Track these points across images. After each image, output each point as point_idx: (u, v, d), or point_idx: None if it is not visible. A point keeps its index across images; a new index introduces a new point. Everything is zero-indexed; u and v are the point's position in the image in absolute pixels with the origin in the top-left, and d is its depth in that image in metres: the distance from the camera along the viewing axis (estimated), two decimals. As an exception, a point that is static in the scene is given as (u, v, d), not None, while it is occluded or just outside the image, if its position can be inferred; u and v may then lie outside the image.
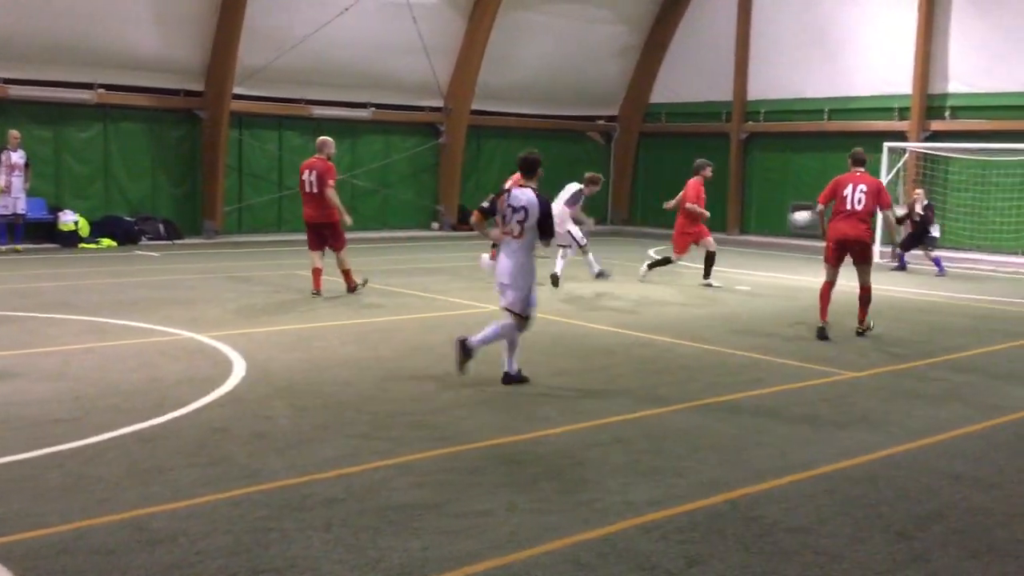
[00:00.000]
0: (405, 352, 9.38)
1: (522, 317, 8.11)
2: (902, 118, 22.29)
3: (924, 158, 21.28)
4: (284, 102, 22.15)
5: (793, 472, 6.00)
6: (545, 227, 8.00)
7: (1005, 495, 5.72)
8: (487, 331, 8.13)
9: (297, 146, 22.64)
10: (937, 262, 17.50)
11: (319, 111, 22.49)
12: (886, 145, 20.43)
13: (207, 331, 10.13)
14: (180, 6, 19.95)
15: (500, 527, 4.98)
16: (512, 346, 8.14)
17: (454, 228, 24.56)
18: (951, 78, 21.68)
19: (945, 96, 21.79)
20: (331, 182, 12.59)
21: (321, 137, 13.25)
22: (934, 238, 17.94)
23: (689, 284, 15.32)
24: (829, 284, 10.96)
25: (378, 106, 23.47)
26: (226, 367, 8.48)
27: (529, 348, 9.70)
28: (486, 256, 14.35)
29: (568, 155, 27.08)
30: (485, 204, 8.26)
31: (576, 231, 14.45)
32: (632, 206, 28.07)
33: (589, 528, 5.00)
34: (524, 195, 8.01)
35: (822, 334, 10.64)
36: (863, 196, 10.67)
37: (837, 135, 23.55)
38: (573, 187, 14.56)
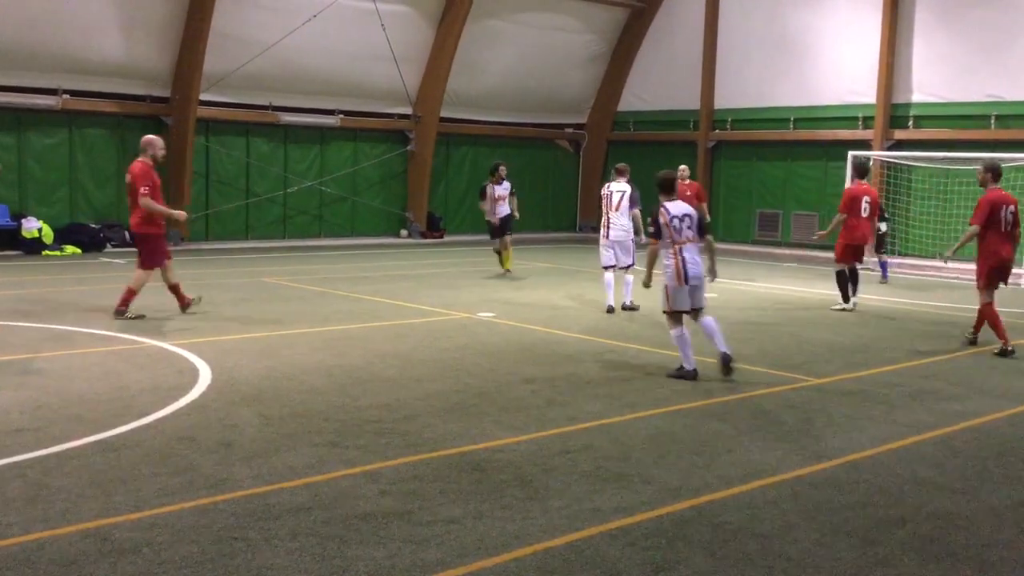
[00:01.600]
0: (374, 359, 9.35)
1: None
2: (866, 127, 22.57)
3: (888, 167, 21.57)
4: (251, 108, 22.03)
5: (759, 478, 6.05)
6: (703, 225, 9.13)
7: (967, 500, 5.80)
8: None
9: (265, 153, 22.54)
10: (883, 267, 17.60)
11: (287, 117, 22.39)
12: (850, 154, 20.62)
13: (173, 339, 10.04)
14: (146, 11, 19.80)
15: (467, 535, 4.98)
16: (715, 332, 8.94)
17: (423, 235, 24.52)
18: (914, 88, 22.00)
19: (908, 106, 22.09)
20: (143, 189, 10.89)
21: (145, 136, 11.65)
22: (883, 237, 17.74)
23: (655, 292, 15.39)
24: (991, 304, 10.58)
25: (346, 113, 23.40)
26: (192, 375, 8.41)
27: (499, 356, 9.73)
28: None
29: (537, 163, 27.21)
30: (652, 229, 9.15)
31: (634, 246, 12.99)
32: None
33: (556, 535, 5.01)
34: (678, 205, 9.07)
35: (1006, 353, 10.39)
36: (1011, 216, 10.41)
37: (803, 143, 23.83)
38: (625, 187, 13.05)
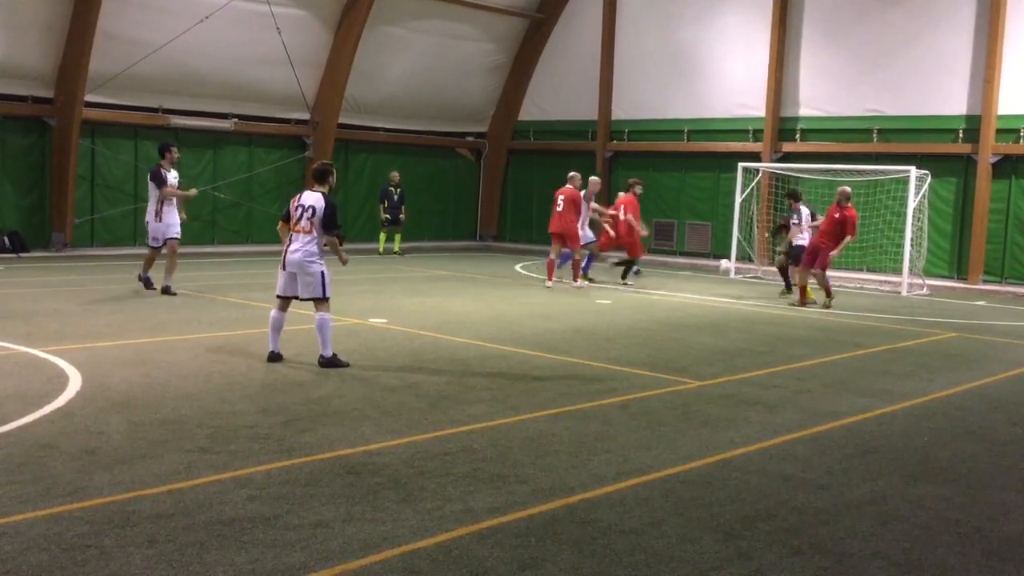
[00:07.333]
0: (256, 365, 9.15)
1: (326, 299, 9.38)
2: (756, 140, 23.22)
3: (776, 178, 22.19)
4: (140, 111, 21.37)
5: (632, 476, 6.12)
6: (329, 222, 9.32)
7: (831, 495, 5.98)
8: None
9: (154, 157, 21.79)
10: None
11: (177, 121, 21.79)
12: (741, 165, 21.23)
13: (44, 346, 9.65)
14: (29, 9, 19.04)
15: (334, 538, 4.89)
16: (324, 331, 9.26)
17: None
18: (801, 103, 22.73)
19: (796, 119, 22.82)
20: None
21: None
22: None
23: (551, 299, 15.50)
24: None
25: (241, 117, 22.91)
26: (61, 382, 8.09)
27: (387, 361, 9.64)
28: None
29: (438, 171, 27.15)
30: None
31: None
32: (501, 222, 28.28)
33: (425, 536, 4.97)
34: (308, 196, 9.38)
35: None
36: None
37: (696, 155, 24.37)
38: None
